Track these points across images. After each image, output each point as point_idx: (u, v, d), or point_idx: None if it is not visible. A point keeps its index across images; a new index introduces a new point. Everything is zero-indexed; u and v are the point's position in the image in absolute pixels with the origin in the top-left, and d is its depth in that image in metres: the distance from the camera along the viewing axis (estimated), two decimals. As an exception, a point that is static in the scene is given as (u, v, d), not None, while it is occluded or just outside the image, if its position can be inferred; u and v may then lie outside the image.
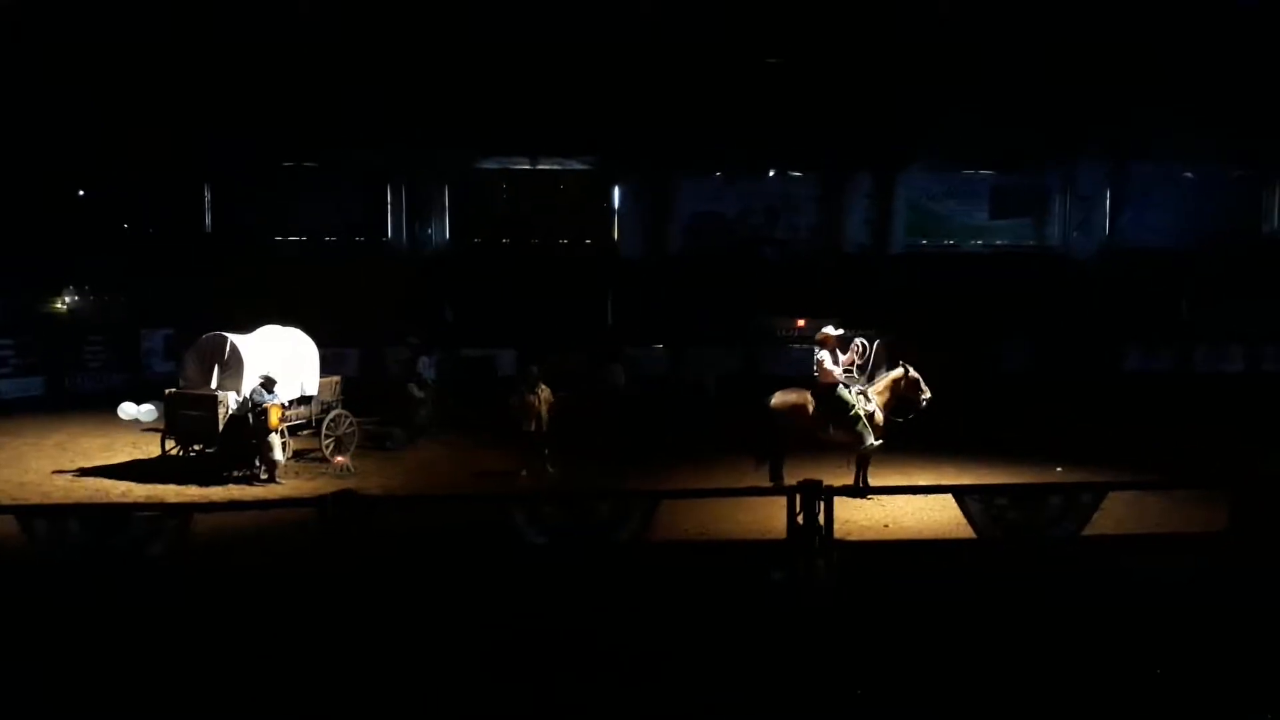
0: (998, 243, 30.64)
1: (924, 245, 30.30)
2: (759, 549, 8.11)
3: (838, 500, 10.63)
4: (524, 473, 13.81)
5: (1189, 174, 30.36)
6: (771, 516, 8.39)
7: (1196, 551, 8.20)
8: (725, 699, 5.94)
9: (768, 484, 11.56)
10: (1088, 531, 7.95)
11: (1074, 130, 27.54)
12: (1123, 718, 5.82)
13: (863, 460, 12.44)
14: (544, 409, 14.02)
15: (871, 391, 12.60)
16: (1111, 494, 9.60)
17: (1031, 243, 30.73)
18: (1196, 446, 15.57)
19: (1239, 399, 21.20)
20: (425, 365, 18.40)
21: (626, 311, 26.80)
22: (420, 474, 14.50)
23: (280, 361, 14.48)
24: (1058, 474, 13.28)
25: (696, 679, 6.13)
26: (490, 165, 30.05)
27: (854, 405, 12.25)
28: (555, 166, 29.84)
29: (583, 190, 30.22)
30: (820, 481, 7.24)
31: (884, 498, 11.48)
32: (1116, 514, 10.09)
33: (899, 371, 12.77)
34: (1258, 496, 7.74)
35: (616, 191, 29.96)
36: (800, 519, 7.00)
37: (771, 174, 30.22)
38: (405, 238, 29.73)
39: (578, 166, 29.79)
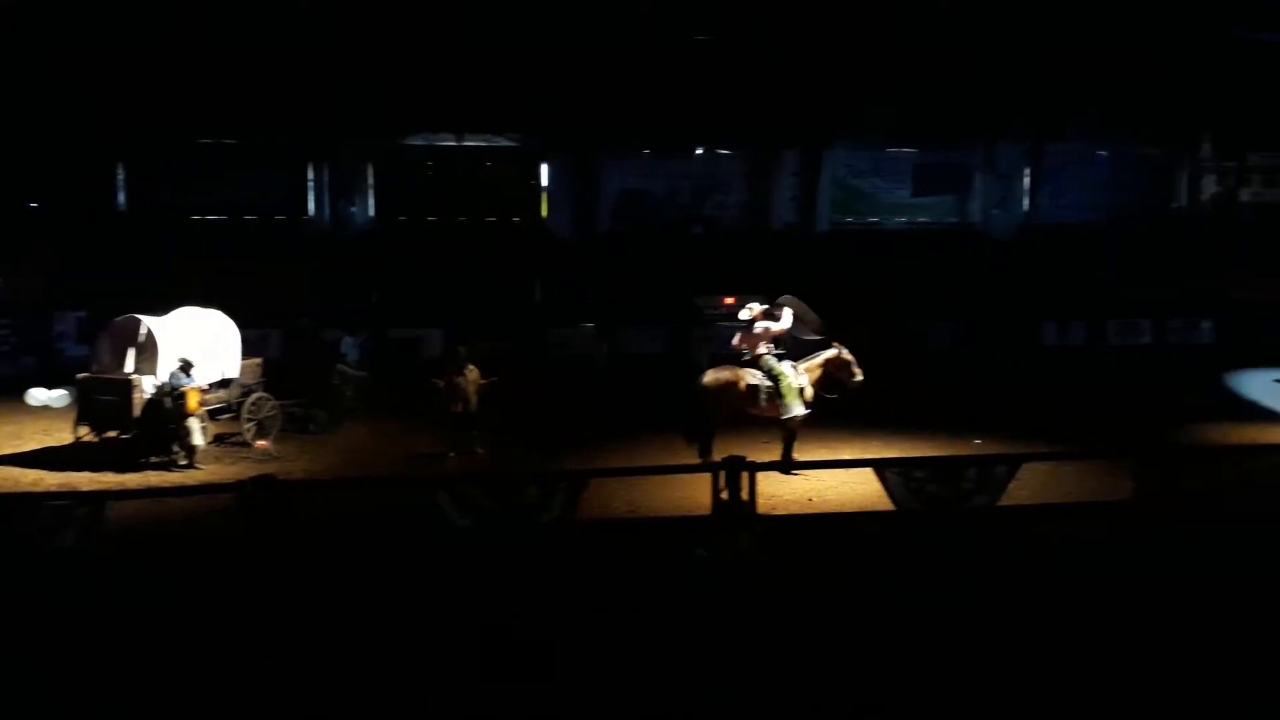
0: (920, 220, 31.25)
1: (849, 222, 30.73)
2: (685, 525, 8.17)
3: (765, 476, 10.83)
4: (452, 455, 13.69)
5: (1103, 153, 31.29)
6: (703, 492, 8.47)
7: (1104, 518, 8.51)
8: (649, 675, 5.97)
9: (697, 461, 11.68)
10: (1004, 501, 8.20)
11: (994, 109, 28.11)
12: (1034, 678, 6.01)
13: (790, 434, 12.65)
14: (472, 390, 13.91)
15: (802, 367, 12.85)
16: (1031, 465, 9.93)
17: (953, 220, 31.39)
18: (1108, 418, 16.08)
19: (1148, 371, 21.99)
20: (349, 346, 18.11)
21: (556, 290, 26.66)
22: (346, 457, 14.29)
23: (198, 344, 14.14)
24: (976, 446, 13.59)
25: (620, 656, 6.16)
26: (415, 142, 29.61)
27: (786, 376, 12.49)
28: (482, 143, 29.53)
29: (510, 167, 29.98)
30: (743, 457, 7.33)
31: (810, 472, 11.65)
32: (1034, 484, 10.41)
33: (832, 352, 13.05)
34: (1160, 465, 8.07)
35: (544, 169, 29.78)
36: (724, 495, 7.07)
37: (699, 152, 30.33)
38: (328, 216, 29.16)
39: (505, 144, 29.52)
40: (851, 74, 26.08)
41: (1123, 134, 30.20)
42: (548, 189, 29.79)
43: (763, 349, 12.70)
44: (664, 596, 6.83)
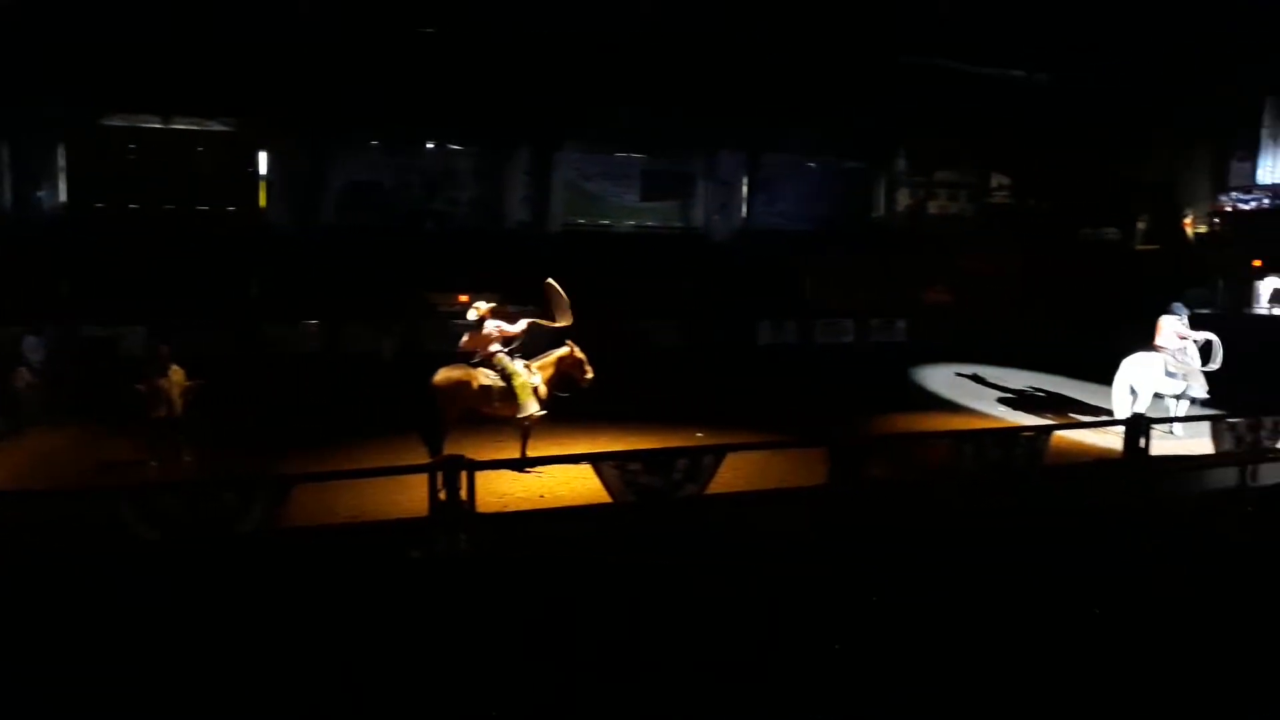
0: (648, 224, 32.39)
1: (581, 224, 31.33)
2: (402, 528, 7.99)
3: (499, 475, 10.84)
4: (154, 463, 12.65)
5: (812, 164, 33.77)
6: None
7: (803, 502, 9.20)
8: (348, 678, 5.75)
9: (423, 461, 11.47)
10: (715, 490, 8.65)
11: (714, 120, 29.58)
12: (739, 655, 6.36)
13: (526, 432, 12.73)
14: (175, 393, 12.90)
15: (535, 365, 12.95)
16: (749, 454, 10.57)
17: (678, 224, 32.77)
18: (815, 409, 17.38)
19: (850, 367, 23.96)
20: (32, 346, 16.32)
21: (275, 285, 25.26)
22: (28, 467, 12.85)
23: None
24: (699, 439, 14.25)
25: (314, 661, 5.88)
26: (115, 123, 27.07)
27: (519, 375, 12.54)
28: (192, 126, 27.46)
29: (224, 153, 28.01)
30: (462, 457, 7.28)
31: (544, 469, 11.72)
32: (747, 473, 11.11)
33: (564, 350, 13.22)
34: (850, 451, 8.83)
35: (262, 157, 28.15)
36: (442, 495, 6.98)
37: (430, 146, 29.83)
38: (10, 200, 26.07)
39: (217, 128, 27.61)
40: (580, 75, 26.60)
41: (828, 147, 32.75)
42: (267, 178, 28.18)
43: (494, 348, 12.67)
44: (373, 601, 6.63)
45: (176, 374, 12.92)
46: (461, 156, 30.28)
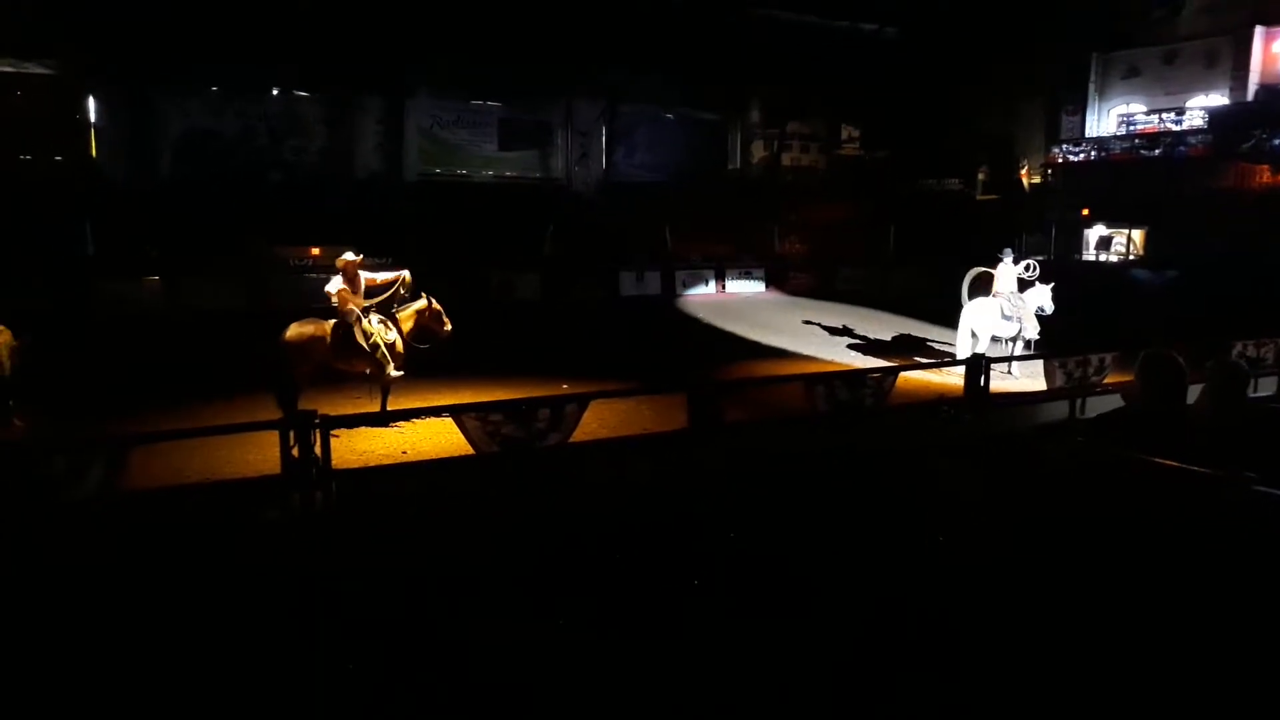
0: (507, 173, 31.94)
1: (438, 173, 30.66)
2: (255, 487, 7.74)
3: (360, 431, 10.60)
4: (-18, 429, 11.85)
5: (669, 115, 33.90)
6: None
7: (666, 447, 9.37)
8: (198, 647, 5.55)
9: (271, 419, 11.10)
10: (580, 438, 8.72)
11: (571, 68, 29.26)
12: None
13: (385, 388, 12.47)
14: (4, 354, 12.07)
15: (393, 320, 12.65)
16: (611, 403, 10.62)
17: (538, 175, 32.44)
18: (677, 357, 17.65)
19: (710, 316, 24.33)
20: None
21: (111, 238, 23.79)
22: None
23: None
24: (564, 389, 14.25)
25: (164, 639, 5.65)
26: (-80, 65, 24.80)
27: (375, 333, 12.23)
28: (9, 69, 25.38)
29: (49, 99, 26.03)
30: (314, 412, 7.08)
31: (405, 424, 11.49)
32: (611, 422, 11.21)
33: (422, 302, 12.94)
34: (706, 396, 9.04)
35: (92, 103, 26.33)
36: (295, 452, 6.79)
37: (275, 93, 28.50)
38: None
39: (40, 71, 25.61)
40: (433, 20, 25.85)
41: (685, 98, 32.91)
42: (97, 125, 26.39)
43: (362, 304, 12.32)
44: (226, 562, 6.40)
45: (3, 333, 12.08)
46: (309, 103, 29.07)
